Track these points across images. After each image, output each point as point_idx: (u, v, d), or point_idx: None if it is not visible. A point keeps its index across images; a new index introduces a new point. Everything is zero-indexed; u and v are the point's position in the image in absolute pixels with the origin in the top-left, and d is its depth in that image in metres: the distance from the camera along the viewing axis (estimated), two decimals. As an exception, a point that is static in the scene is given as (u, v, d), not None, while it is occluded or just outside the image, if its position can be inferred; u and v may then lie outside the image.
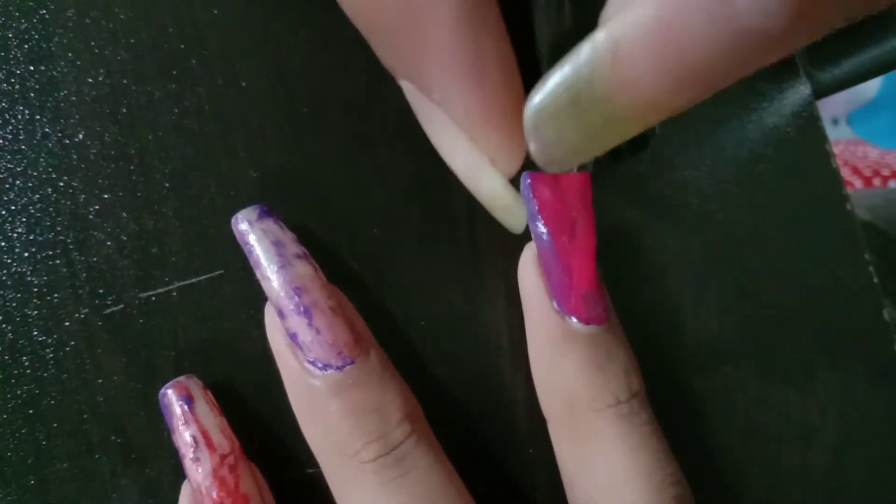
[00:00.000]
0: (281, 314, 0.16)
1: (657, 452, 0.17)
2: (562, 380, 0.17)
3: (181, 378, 0.17)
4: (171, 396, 0.17)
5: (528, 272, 0.18)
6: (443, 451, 0.17)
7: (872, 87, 0.98)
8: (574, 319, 0.17)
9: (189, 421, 0.16)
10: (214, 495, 0.16)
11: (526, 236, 0.19)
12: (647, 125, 0.10)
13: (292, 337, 0.16)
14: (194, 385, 0.17)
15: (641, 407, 0.17)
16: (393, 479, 0.15)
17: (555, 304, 0.17)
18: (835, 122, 1.03)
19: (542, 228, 0.17)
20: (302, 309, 0.16)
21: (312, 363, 0.16)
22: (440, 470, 0.16)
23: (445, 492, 0.16)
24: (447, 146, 0.14)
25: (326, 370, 0.16)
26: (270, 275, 0.16)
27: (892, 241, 0.39)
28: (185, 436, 0.16)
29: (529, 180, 0.17)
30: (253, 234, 0.16)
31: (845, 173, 0.68)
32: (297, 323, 0.16)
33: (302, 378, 0.16)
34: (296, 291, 0.16)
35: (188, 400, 0.17)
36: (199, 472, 0.16)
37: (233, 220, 0.17)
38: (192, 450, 0.16)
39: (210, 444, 0.16)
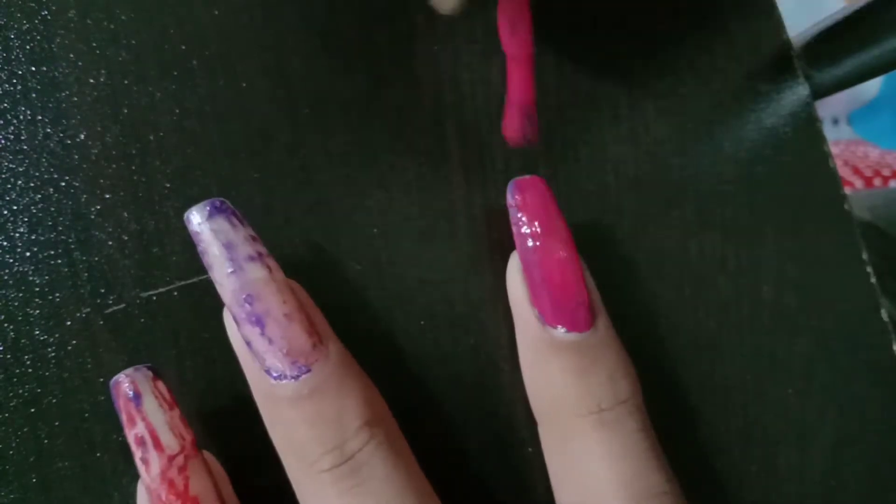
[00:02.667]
0: (235, 321, 0.15)
1: (642, 461, 0.16)
2: (547, 385, 0.17)
3: (129, 370, 0.16)
4: (118, 391, 0.16)
5: (513, 279, 0.18)
6: (409, 455, 0.17)
7: (873, 86, 0.98)
8: (558, 328, 0.17)
9: (136, 419, 0.16)
10: (164, 497, 0.15)
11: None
12: None
13: (248, 344, 0.15)
14: (143, 378, 0.16)
15: (629, 414, 0.17)
16: (349, 488, 0.15)
17: (537, 312, 0.17)
18: (835, 121, 1.02)
19: (522, 239, 0.17)
20: (254, 318, 0.15)
21: (268, 372, 0.15)
22: (399, 477, 0.16)
23: (403, 501, 0.16)
24: None
25: (282, 380, 0.15)
26: (222, 280, 0.15)
27: (892, 241, 0.39)
28: (132, 434, 0.16)
29: (514, 185, 0.18)
30: (204, 235, 0.15)
31: (846, 173, 0.68)
32: (250, 332, 0.15)
33: (262, 384, 0.16)
34: (247, 299, 0.15)
35: (136, 396, 0.16)
36: (148, 473, 0.16)
37: (185, 218, 0.16)
38: (140, 449, 0.16)
39: (157, 445, 0.16)
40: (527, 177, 0.18)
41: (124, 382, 0.16)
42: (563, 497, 0.18)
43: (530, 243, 0.17)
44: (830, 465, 0.20)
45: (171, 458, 0.16)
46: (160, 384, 0.16)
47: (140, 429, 0.16)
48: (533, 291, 0.17)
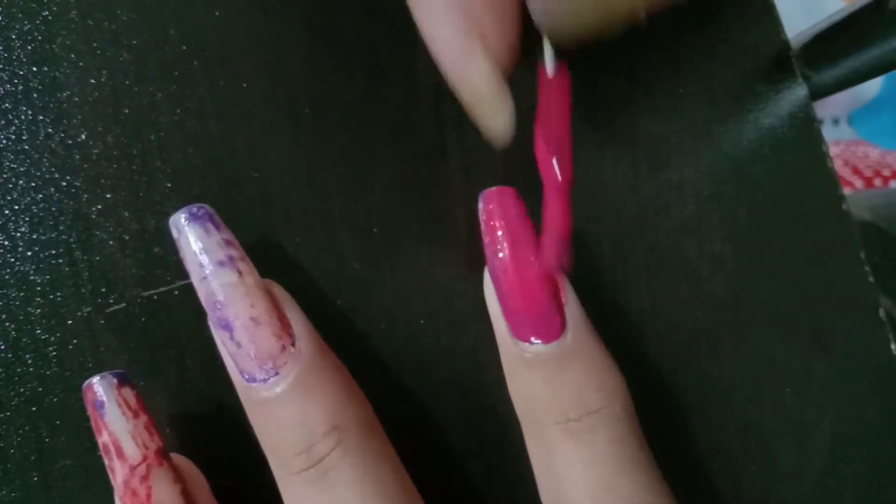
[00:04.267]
0: (210, 325, 0.16)
1: (613, 471, 0.16)
2: (520, 394, 0.18)
3: (95, 378, 0.16)
4: (85, 399, 0.16)
5: (488, 290, 0.18)
6: (383, 461, 0.16)
7: (873, 86, 0.98)
8: (524, 340, 0.17)
9: (100, 428, 0.16)
10: None
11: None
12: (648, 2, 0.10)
13: (223, 347, 0.16)
14: (106, 386, 0.16)
15: (601, 424, 0.17)
16: (316, 493, 0.15)
17: (506, 323, 0.17)
18: (835, 121, 1.02)
19: (486, 249, 0.17)
20: (223, 323, 0.16)
21: (241, 374, 0.16)
22: (367, 483, 0.16)
23: None
24: (438, 32, 0.13)
25: (252, 382, 0.16)
26: (196, 286, 0.16)
27: (893, 240, 0.39)
28: (100, 442, 0.16)
29: (482, 197, 0.18)
30: (180, 242, 0.16)
31: (846, 173, 0.68)
32: (221, 336, 0.16)
33: (240, 385, 0.16)
34: (216, 304, 0.16)
35: (99, 405, 0.16)
36: (114, 481, 0.16)
37: (169, 223, 0.16)
38: (106, 457, 0.16)
39: (120, 454, 0.16)
40: (494, 188, 0.17)
41: (89, 390, 0.16)
42: (544, 499, 0.18)
43: (491, 256, 0.17)
44: (829, 465, 0.20)
45: (133, 468, 0.16)
46: (126, 391, 0.16)
47: (105, 437, 0.16)
48: (501, 304, 0.17)
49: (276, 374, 0.15)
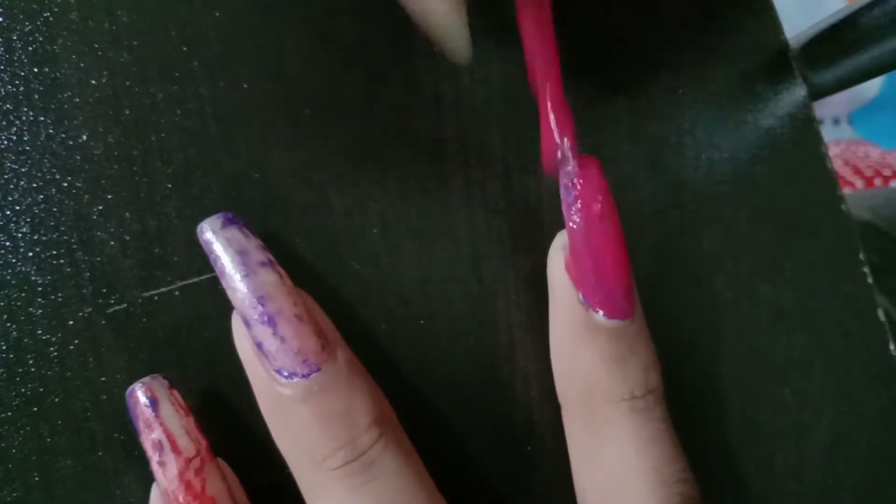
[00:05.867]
0: (246, 323, 0.16)
1: (668, 448, 0.17)
2: (581, 369, 0.17)
3: (146, 378, 0.17)
4: (135, 399, 0.17)
5: (557, 260, 0.18)
6: (415, 453, 0.17)
7: (873, 86, 0.98)
8: (599, 312, 0.17)
9: (153, 424, 0.16)
10: (181, 499, 0.16)
11: (523, 235, 0.19)
12: None
13: (258, 346, 0.16)
14: (159, 386, 0.17)
15: (657, 403, 0.17)
16: (361, 484, 0.16)
17: (580, 295, 0.17)
18: (836, 121, 1.02)
19: (576, 218, 0.17)
20: (266, 318, 0.16)
21: (279, 371, 0.16)
22: (409, 473, 0.16)
23: (415, 495, 0.16)
24: None
25: (293, 378, 0.16)
26: (235, 284, 0.16)
27: (892, 240, 0.39)
28: (150, 439, 0.16)
29: (574, 162, 0.17)
30: (217, 243, 0.16)
31: (846, 173, 0.68)
32: (262, 332, 0.16)
33: (270, 386, 0.16)
34: (259, 300, 0.16)
35: (153, 402, 0.16)
36: (165, 475, 0.16)
37: (198, 230, 0.17)
38: (157, 453, 0.16)
39: (175, 448, 0.16)
40: (586, 155, 0.17)
41: (141, 390, 0.17)
42: (587, 480, 0.18)
43: (585, 225, 0.17)
44: (828, 465, 0.20)
45: (189, 461, 0.16)
46: (175, 393, 0.17)
47: (157, 433, 0.16)
48: (580, 274, 0.17)
49: (318, 370, 0.16)
